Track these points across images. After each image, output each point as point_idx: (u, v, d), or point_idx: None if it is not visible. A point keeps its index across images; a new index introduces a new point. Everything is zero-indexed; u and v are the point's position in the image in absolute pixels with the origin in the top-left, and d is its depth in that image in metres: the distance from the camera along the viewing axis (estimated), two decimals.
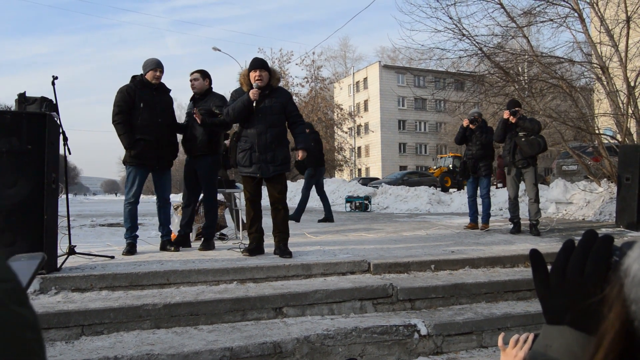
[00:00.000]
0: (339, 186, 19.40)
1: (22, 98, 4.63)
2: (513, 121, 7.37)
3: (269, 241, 5.50)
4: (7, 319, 0.43)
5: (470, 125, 8.01)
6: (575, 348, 0.62)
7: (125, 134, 5.45)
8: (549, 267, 0.70)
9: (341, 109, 40.11)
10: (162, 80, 5.77)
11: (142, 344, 3.35)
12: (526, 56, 11.49)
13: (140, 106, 5.49)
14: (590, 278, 0.62)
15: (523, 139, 7.32)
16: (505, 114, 7.45)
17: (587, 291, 0.62)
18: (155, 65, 5.63)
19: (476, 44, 10.88)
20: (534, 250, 0.71)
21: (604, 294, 0.57)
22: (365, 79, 57.90)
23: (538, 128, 7.39)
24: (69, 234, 4.98)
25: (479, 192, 8.25)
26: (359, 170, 57.60)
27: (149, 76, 5.61)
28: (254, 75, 5.20)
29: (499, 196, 13.14)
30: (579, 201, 11.19)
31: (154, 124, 5.52)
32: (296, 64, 36.72)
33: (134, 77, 5.69)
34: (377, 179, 36.12)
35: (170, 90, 5.87)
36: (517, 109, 7.42)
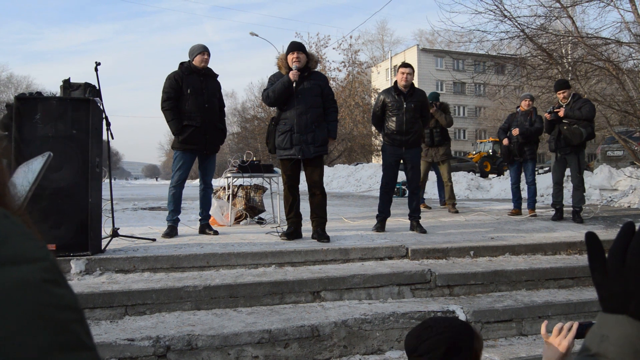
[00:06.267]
0: (376, 171, 19.29)
1: (66, 84, 4.74)
2: (561, 115, 7.11)
3: (307, 226, 5.52)
4: (44, 300, 0.42)
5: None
6: (635, 340, 0.59)
7: (173, 120, 5.52)
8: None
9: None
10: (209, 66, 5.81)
11: (183, 325, 3.42)
12: (570, 38, 11.10)
13: (187, 92, 5.53)
14: None
15: (565, 127, 7.08)
16: (547, 116, 7.25)
17: None
18: (203, 49, 5.66)
19: (518, 26, 10.57)
20: (591, 233, 0.67)
21: None
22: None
23: (590, 116, 7.05)
24: (112, 217, 5.11)
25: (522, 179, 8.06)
26: None
27: (196, 61, 5.63)
28: (291, 57, 5.23)
29: (540, 182, 12.79)
30: (624, 188, 10.83)
31: (201, 109, 5.55)
32: (333, 48, 36.71)
33: (181, 63, 5.72)
34: None
35: (217, 75, 5.91)
36: (557, 111, 7.14)
